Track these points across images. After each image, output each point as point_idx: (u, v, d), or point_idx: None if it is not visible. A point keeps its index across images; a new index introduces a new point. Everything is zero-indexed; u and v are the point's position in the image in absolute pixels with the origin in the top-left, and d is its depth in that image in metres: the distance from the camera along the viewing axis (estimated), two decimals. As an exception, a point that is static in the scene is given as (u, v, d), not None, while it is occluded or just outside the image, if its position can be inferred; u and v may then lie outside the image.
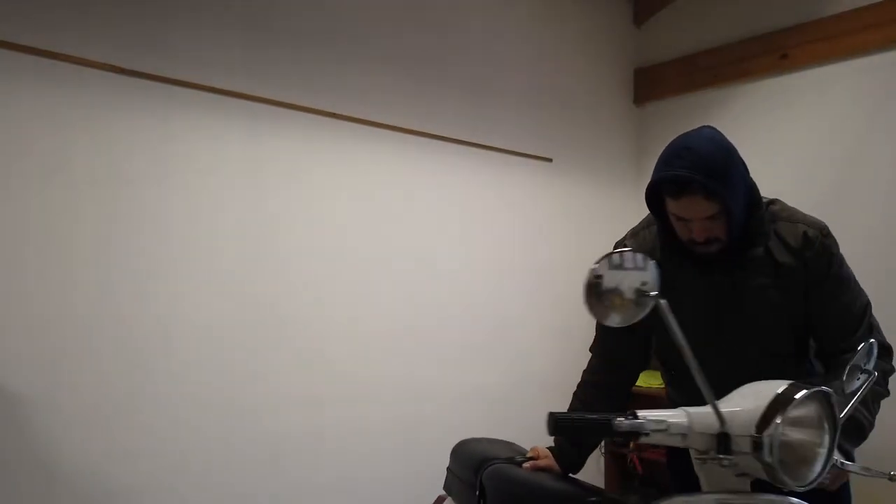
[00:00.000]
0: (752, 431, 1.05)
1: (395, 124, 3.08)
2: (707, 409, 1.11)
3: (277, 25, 2.74)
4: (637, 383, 1.87)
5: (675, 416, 1.13)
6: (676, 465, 1.69)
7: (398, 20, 3.14)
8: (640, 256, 1.08)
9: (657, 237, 1.56)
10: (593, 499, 1.44)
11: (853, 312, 1.47)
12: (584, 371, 1.76)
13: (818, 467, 1.07)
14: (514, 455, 1.71)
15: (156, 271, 2.41)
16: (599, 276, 1.06)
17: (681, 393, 1.62)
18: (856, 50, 3.38)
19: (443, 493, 1.94)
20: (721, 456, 1.09)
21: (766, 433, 1.03)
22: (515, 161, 3.57)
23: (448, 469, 1.89)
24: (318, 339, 2.82)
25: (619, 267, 1.07)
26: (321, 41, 2.87)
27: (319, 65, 2.86)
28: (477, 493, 1.62)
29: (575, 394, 1.76)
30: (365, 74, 3.01)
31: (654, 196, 1.46)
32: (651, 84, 4.29)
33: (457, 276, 3.32)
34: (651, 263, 1.10)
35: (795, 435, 1.06)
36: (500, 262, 3.46)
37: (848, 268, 1.51)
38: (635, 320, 1.09)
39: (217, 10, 2.59)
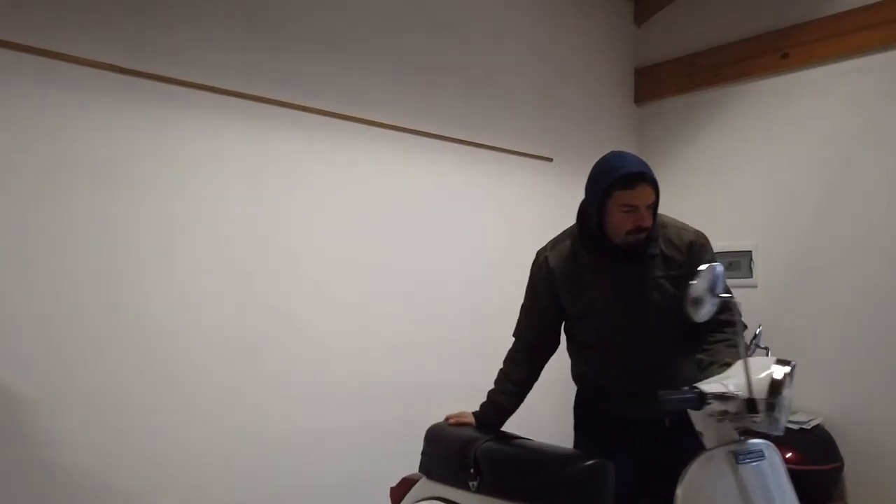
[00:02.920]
0: (765, 396, 1.43)
1: (396, 124, 3.08)
2: (732, 382, 1.48)
3: (277, 26, 2.74)
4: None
5: (734, 387, 1.48)
6: (585, 427, 2.08)
7: (399, 20, 3.14)
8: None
9: (578, 244, 1.94)
10: (594, 461, 1.71)
11: None
12: (509, 349, 2.12)
13: (787, 415, 1.48)
14: (496, 433, 1.98)
15: (155, 271, 2.41)
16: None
17: (589, 366, 2.04)
18: (856, 50, 3.38)
19: (417, 473, 2.11)
20: (751, 414, 1.45)
21: (779, 397, 1.43)
22: (516, 161, 3.57)
23: (425, 453, 2.09)
24: (319, 338, 2.81)
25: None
26: (321, 41, 2.87)
27: (319, 64, 2.86)
28: (472, 469, 1.85)
29: (501, 369, 2.10)
30: (365, 74, 3.01)
31: (596, 203, 1.81)
32: (651, 84, 4.29)
33: (457, 275, 3.32)
34: None
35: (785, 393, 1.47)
36: (500, 260, 3.45)
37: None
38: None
39: (217, 11, 2.59)
